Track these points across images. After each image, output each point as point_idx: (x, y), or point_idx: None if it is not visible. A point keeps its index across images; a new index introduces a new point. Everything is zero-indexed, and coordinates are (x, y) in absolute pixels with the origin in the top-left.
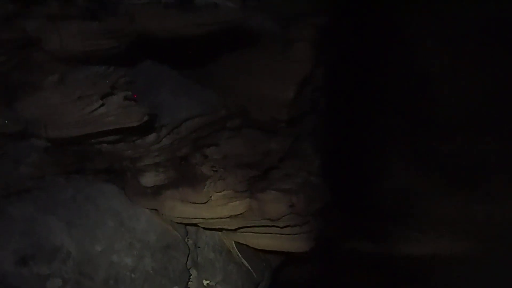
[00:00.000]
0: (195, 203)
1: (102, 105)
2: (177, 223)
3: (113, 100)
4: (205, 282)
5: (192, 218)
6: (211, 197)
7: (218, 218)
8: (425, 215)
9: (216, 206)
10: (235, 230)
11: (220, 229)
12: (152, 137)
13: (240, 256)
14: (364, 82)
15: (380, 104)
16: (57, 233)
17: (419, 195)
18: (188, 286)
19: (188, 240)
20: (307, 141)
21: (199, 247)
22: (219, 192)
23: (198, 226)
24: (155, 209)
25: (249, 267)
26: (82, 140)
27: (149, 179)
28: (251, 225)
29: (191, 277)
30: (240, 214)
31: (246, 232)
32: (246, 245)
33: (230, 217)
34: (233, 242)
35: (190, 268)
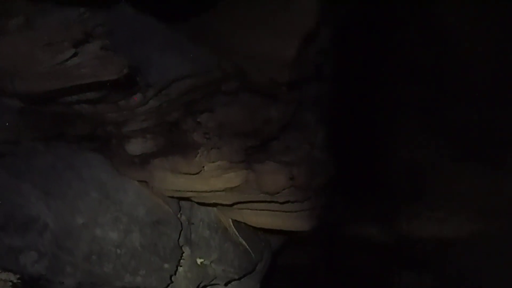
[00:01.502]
0: (187, 173)
1: (76, 54)
2: (169, 197)
3: (88, 49)
4: (199, 261)
5: (184, 191)
6: (203, 167)
7: (212, 191)
8: (440, 191)
9: (209, 178)
10: (232, 205)
11: (215, 204)
12: (137, 98)
13: (237, 234)
14: (375, 46)
15: (392, 70)
16: (33, 203)
17: (434, 170)
18: (180, 264)
19: (181, 216)
20: (310, 111)
21: (193, 224)
22: (213, 162)
23: (192, 200)
24: (145, 181)
25: (247, 247)
26: (57, 96)
27: (136, 147)
28: (249, 200)
29: (183, 255)
30: (236, 186)
31: (243, 209)
32: (244, 223)
33: (225, 190)
34: (230, 219)
35: (182, 246)
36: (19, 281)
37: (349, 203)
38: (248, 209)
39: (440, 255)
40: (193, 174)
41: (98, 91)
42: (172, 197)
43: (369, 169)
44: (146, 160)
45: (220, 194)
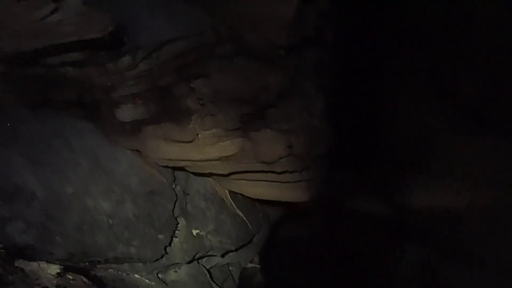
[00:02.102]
0: (180, 141)
1: (56, 10)
2: (163, 166)
3: (69, 4)
4: (194, 232)
5: (178, 160)
6: (198, 135)
7: (207, 160)
8: (445, 161)
9: (204, 146)
10: (228, 175)
11: (211, 174)
12: (126, 60)
13: (234, 206)
14: (380, 8)
15: (398, 33)
16: (19, 172)
17: (440, 140)
18: (175, 235)
19: (176, 187)
20: (310, 78)
21: (188, 195)
22: (207, 130)
23: (187, 171)
24: (137, 151)
25: (244, 218)
26: (38, 57)
27: (126, 113)
28: (245, 169)
29: (178, 226)
30: (232, 155)
31: (240, 179)
32: (241, 194)
33: (220, 159)
34: (226, 191)
35: (177, 217)
36: (2, 250)
37: (350, 174)
38: (245, 179)
39: (442, 226)
40: (187, 142)
41: (83, 51)
42: (167, 166)
43: (371, 139)
44: (137, 128)
45: (216, 164)
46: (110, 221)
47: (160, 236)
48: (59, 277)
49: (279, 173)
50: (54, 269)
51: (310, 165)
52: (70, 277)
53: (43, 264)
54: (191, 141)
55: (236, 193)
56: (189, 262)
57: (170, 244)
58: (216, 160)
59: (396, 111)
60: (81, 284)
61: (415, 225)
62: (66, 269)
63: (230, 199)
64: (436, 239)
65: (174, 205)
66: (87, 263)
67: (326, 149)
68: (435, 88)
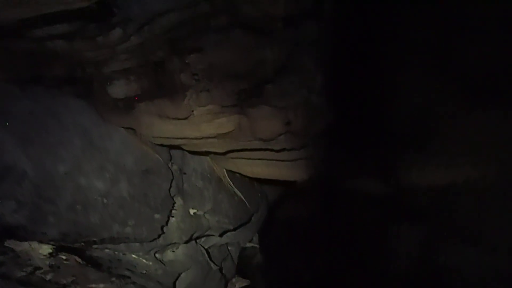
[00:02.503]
0: (175, 118)
1: None
2: (158, 145)
3: None
4: (191, 211)
5: (174, 138)
6: (193, 111)
7: (203, 137)
8: (447, 138)
9: (200, 123)
10: (225, 154)
11: (208, 153)
12: (116, 33)
13: (232, 185)
14: None
15: (400, 6)
16: (9, 150)
17: (442, 115)
18: (172, 215)
19: (172, 166)
20: (308, 53)
21: (185, 174)
22: (203, 106)
23: (183, 149)
24: (132, 129)
25: (242, 197)
26: (25, 29)
27: (118, 89)
28: (242, 147)
29: (175, 205)
30: (228, 133)
31: (238, 158)
32: (239, 173)
33: (216, 136)
34: (224, 170)
35: (174, 196)
36: None
37: (348, 153)
38: (243, 158)
39: (442, 204)
40: (182, 119)
41: (71, 23)
42: (162, 145)
43: (371, 115)
44: (131, 105)
45: (212, 141)
46: (105, 200)
47: (157, 216)
48: (52, 257)
49: (277, 151)
50: (46, 249)
51: (308, 143)
52: (63, 257)
53: (34, 244)
54: (186, 118)
55: (234, 172)
56: (186, 242)
57: (167, 224)
58: (212, 137)
59: (397, 87)
60: (74, 264)
61: (414, 204)
62: (58, 249)
63: (228, 178)
64: (435, 217)
65: (171, 184)
66: (82, 243)
67: (324, 126)
68: (437, 63)
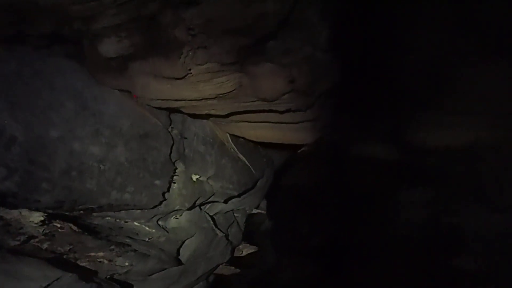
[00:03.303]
0: (171, 78)
1: None
2: (156, 108)
3: None
4: (194, 177)
5: (171, 99)
6: (190, 70)
7: (202, 99)
8: (461, 96)
9: (198, 83)
10: (227, 117)
11: (209, 116)
12: None
13: (236, 150)
14: None
15: None
16: None
17: (455, 72)
18: (174, 181)
19: (172, 130)
20: (313, 6)
21: (186, 138)
22: (201, 64)
23: (183, 112)
24: (127, 91)
25: (247, 162)
26: None
27: (109, 47)
28: (245, 109)
29: (176, 171)
30: (229, 93)
31: (240, 121)
32: (243, 138)
33: (217, 97)
34: (227, 134)
35: (175, 161)
36: None
37: (357, 113)
38: (246, 121)
39: (457, 166)
40: (179, 79)
41: None
42: (160, 108)
43: (380, 72)
44: (124, 64)
45: (212, 103)
46: (101, 166)
47: (157, 182)
48: (45, 225)
49: (281, 113)
50: (37, 217)
51: (314, 103)
52: (58, 225)
53: (25, 212)
54: (183, 78)
55: (238, 137)
56: (189, 209)
57: (168, 190)
58: (212, 98)
59: (408, 41)
60: (69, 232)
61: (424, 167)
62: (52, 217)
63: (231, 143)
64: (449, 180)
65: (171, 149)
66: (81, 211)
67: (331, 85)
68: (450, 15)
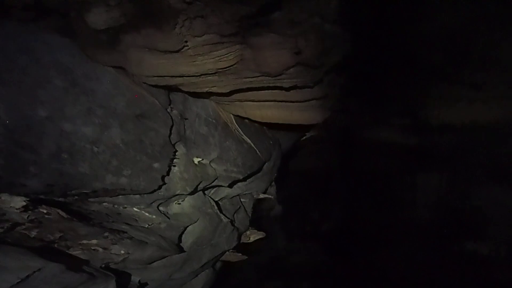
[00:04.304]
0: (166, 51)
1: None
2: (153, 86)
3: None
4: (196, 160)
5: (168, 76)
6: (186, 42)
7: (202, 74)
8: (482, 67)
9: (195, 57)
10: (230, 95)
11: (210, 94)
12: None
13: (240, 131)
14: None
15: None
16: None
17: (477, 41)
18: (174, 164)
19: (171, 110)
20: None
21: (186, 119)
22: (198, 36)
23: (183, 91)
24: (122, 68)
25: (252, 145)
26: None
27: (98, 18)
28: (248, 86)
29: (177, 153)
30: (230, 67)
31: (245, 100)
32: (248, 119)
33: (217, 73)
34: (232, 116)
35: (175, 143)
36: None
37: (368, 91)
38: (250, 100)
39: (476, 145)
40: (174, 52)
41: None
42: (157, 86)
43: (394, 44)
44: (115, 37)
45: (213, 79)
46: (95, 148)
47: (156, 165)
48: (29, 211)
49: (287, 90)
50: (19, 201)
51: (322, 79)
52: (44, 211)
53: (5, 197)
54: (179, 51)
55: (243, 118)
56: (192, 193)
57: (168, 174)
58: (212, 74)
59: (424, 9)
60: (57, 218)
61: (439, 148)
62: (36, 202)
63: (235, 124)
64: (465, 160)
65: (170, 131)
66: (75, 196)
67: (341, 59)
68: None
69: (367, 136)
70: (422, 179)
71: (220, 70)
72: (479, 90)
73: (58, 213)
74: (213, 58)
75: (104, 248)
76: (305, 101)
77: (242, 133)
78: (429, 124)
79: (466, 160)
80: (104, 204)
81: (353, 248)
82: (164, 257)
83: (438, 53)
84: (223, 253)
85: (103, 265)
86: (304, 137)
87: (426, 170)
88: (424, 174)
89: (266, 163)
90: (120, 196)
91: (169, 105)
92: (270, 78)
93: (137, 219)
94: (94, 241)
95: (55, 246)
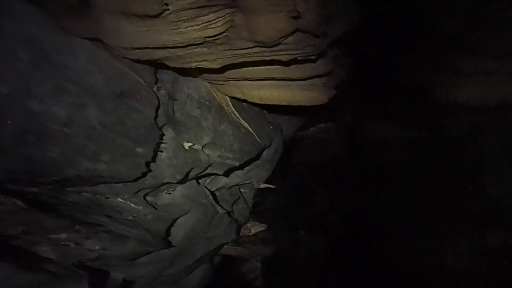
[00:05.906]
0: (144, 16)
1: None
2: (135, 61)
3: None
4: (186, 145)
5: (150, 47)
6: (167, 6)
7: (187, 45)
8: (500, 37)
9: (179, 23)
10: (222, 71)
11: (200, 71)
12: None
13: (237, 115)
14: None
15: None
16: None
17: (494, 8)
18: (160, 149)
19: (158, 90)
20: None
21: (175, 100)
22: None
23: (169, 67)
24: (99, 40)
25: (250, 129)
26: None
27: None
28: (241, 60)
29: (164, 137)
30: (219, 35)
31: (240, 79)
32: (245, 101)
33: (205, 43)
34: (227, 98)
35: (163, 126)
36: None
37: (378, 65)
38: (246, 79)
39: (486, 126)
40: (154, 17)
41: None
42: (141, 62)
43: (407, 12)
44: (86, 2)
45: (201, 51)
46: (66, 130)
47: (139, 150)
48: None
49: (286, 65)
50: None
51: (326, 51)
52: None
53: None
54: (159, 15)
55: (240, 101)
56: (182, 181)
57: (153, 160)
58: (199, 44)
59: None
60: (13, 209)
61: (450, 133)
62: None
63: (232, 107)
64: (476, 145)
65: (157, 112)
66: (48, 185)
67: (347, 28)
68: None
69: (374, 129)
70: (432, 169)
71: (209, 39)
72: (495, 60)
73: (15, 203)
74: (199, 24)
75: (76, 243)
76: (308, 78)
77: (239, 117)
78: (442, 102)
79: (476, 144)
80: (84, 194)
81: (361, 240)
82: (148, 253)
83: (453, 21)
84: (220, 246)
85: (76, 263)
86: (309, 127)
87: (433, 160)
88: (435, 163)
89: (266, 150)
90: (101, 185)
91: (156, 84)
92: (266, 49)
93: (121, 210)
94: (64, 235)
95: (18, 242)
